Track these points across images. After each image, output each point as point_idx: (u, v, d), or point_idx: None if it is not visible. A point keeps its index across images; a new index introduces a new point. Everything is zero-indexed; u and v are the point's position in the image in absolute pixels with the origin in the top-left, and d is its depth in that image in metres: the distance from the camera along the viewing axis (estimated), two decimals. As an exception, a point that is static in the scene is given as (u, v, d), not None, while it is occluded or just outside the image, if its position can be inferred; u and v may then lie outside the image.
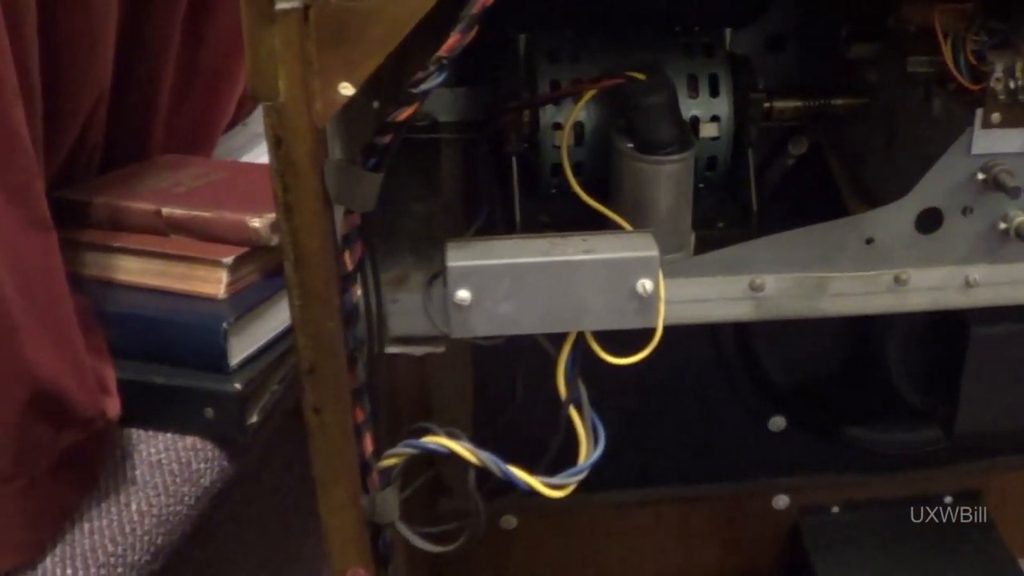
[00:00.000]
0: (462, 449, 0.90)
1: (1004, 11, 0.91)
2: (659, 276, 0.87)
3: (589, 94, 0.98)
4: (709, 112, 1.02)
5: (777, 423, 1.48)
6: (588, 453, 0.92)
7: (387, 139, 0.83)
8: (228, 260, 1.17)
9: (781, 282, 0.95)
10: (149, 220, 1.24)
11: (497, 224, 1.07)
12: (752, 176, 1.05)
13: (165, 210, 1.23)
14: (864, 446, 1.50)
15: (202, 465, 1.13)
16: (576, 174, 1.03)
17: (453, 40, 0.78)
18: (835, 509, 1.58)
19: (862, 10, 1.08)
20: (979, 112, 0.92)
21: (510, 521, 1.50)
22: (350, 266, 0.87)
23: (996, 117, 0.92)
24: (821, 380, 1.46)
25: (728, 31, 1.07)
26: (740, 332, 1.41)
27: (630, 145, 0.94)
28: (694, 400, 1.46)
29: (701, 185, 1.06)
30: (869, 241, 0.95)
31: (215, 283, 1.18)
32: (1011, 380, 1.23)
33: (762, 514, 1.57)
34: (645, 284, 0.86)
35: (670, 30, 1.06)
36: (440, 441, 0.90)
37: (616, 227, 0.95)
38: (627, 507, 1.53)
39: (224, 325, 1.12)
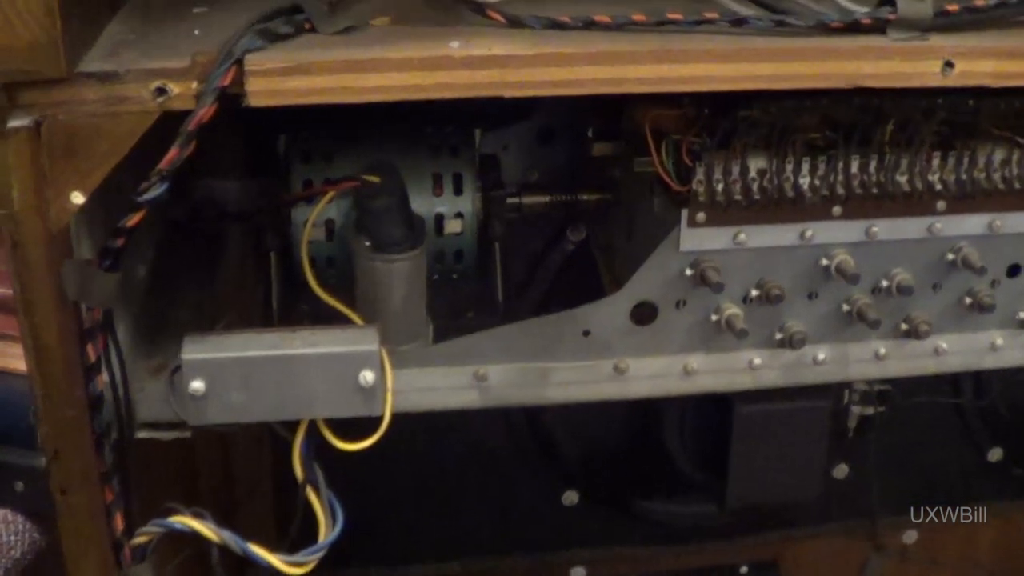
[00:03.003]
0: (203, 528, 0.94)
1: (728, 112, 0.97)
2: (384, 367, 0.92)
3: (328, 196, 1.03)
4: (454, 209, 1.08)
5: (570, 497, 1.53)
6: (327, 532, 0.96)
7: (119, 243, 0.88)
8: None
9: (505, 372, 1.00)
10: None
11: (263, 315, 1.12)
12: (498, 269, 1.11)
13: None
14: (655, 519, 1.55)
15: (12, 537, 1.16)
16: (330, 267, 1.08)
17: (172, 154, 0.84)
18: (632, 581, 1.63)
19: (604, 111, 1.14)
20: (685, 212, 0.98)
21: (310, 597, 1.52)
22: (92, 358, 0.92)
23: (701, 217, 0.98)
24: (610, 455, 1.52)
25: (478, 132, 1.12)
26: (531, 408, 1.46)
27: (367, 244, 0.99)
28: (490, 475, 1.51)
29: (454, 276, 1.12)
30: (586, 333, 1.01)
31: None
32: (776, 455, 1.30)
33: (560, 587, 1.61)
34: (367, 375, 0.91)
35: (421, 130, 1.11)
36: (184, 521, 0.95)
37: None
38: (428, 581, 1.57)
39: (33, 399, 1.14)
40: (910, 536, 1.66)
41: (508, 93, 0.84)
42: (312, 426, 0.96)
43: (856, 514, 1.61)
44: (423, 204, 1.07)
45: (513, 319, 1.04)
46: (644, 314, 1.01)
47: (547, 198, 1.18)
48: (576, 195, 1.19)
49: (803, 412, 1.27)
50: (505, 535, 1.54)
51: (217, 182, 1.23)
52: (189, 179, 1.20)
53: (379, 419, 0.93)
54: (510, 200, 1.15)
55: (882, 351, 1.06)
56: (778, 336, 1.04)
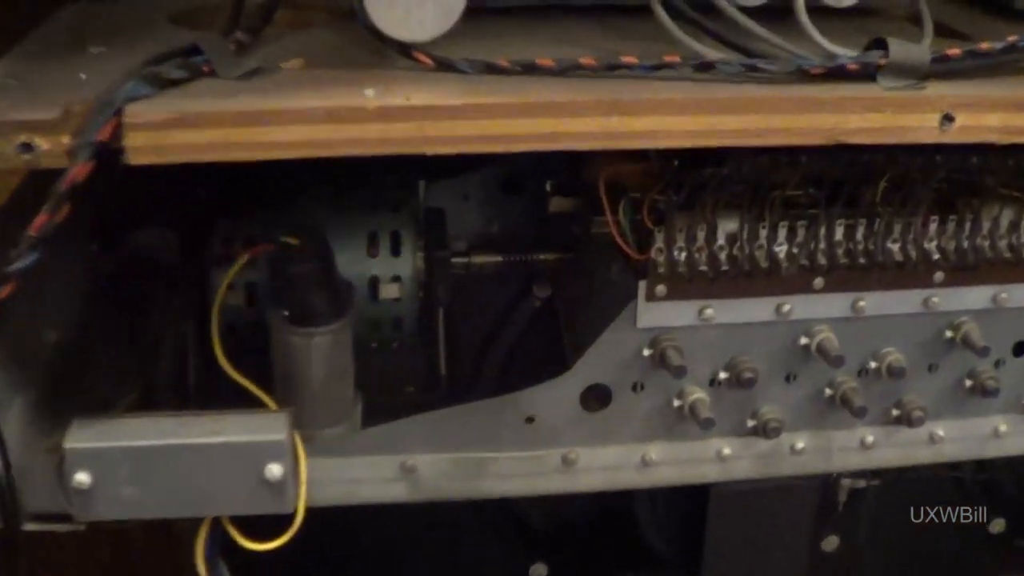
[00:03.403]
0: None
1: (698, 167, 0.86)
2: (298, 457, 0.82)
3: (241, 260, 0.92)
4: (390, 272, 0.96)
5: (538, 571, 1.43)
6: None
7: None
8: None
9: (436, 463, 0.89)
10: None
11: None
12: (441, 338, 1.00)
13: None
14: (626, 596, 1.45)
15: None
16: (253, 337, 0.96)
17: (41, 219, 0.73)
18: (605, 659, 1.51)
19: (568, 161, 1.03)
20: (643, 284, 0.87)
21: None
22: (-35, 444, 0.81)
23: (661, 289, 0.87)
24: (580, 526, 1.41)
25: (422, 184, 1.01)
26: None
27: (284, 314, 0.88)
28: (454, 547, 1.41)
29: (394, 345, 1.00)
30: (530, 420, 0.89)
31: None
32: (756, 536, 1.19)
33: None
34: (273, 469, 0.81)
35: (359, 181, 1.00)
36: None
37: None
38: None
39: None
40: (907, 612, 1.55)
41: (428, 150, 0.73)
42: (216, 522, 0.85)
43: (848, 589, 1.49)
44: (356, 266, 0.96)
45: (461, 393, 0.94)
46: (596, 398, 0.89)
47: (500, 258, 1.06)
48: (533, 255, 1.07)
49: (786, 491, 1.16)
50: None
51: (145, 235, 1.12)
52: (121, 230, 1.10)
53: (297, 512, 0.82)
54: (457, 260, 1.04)
55: (869, 439, 0.96)
56: (750, 423, 0.93)
